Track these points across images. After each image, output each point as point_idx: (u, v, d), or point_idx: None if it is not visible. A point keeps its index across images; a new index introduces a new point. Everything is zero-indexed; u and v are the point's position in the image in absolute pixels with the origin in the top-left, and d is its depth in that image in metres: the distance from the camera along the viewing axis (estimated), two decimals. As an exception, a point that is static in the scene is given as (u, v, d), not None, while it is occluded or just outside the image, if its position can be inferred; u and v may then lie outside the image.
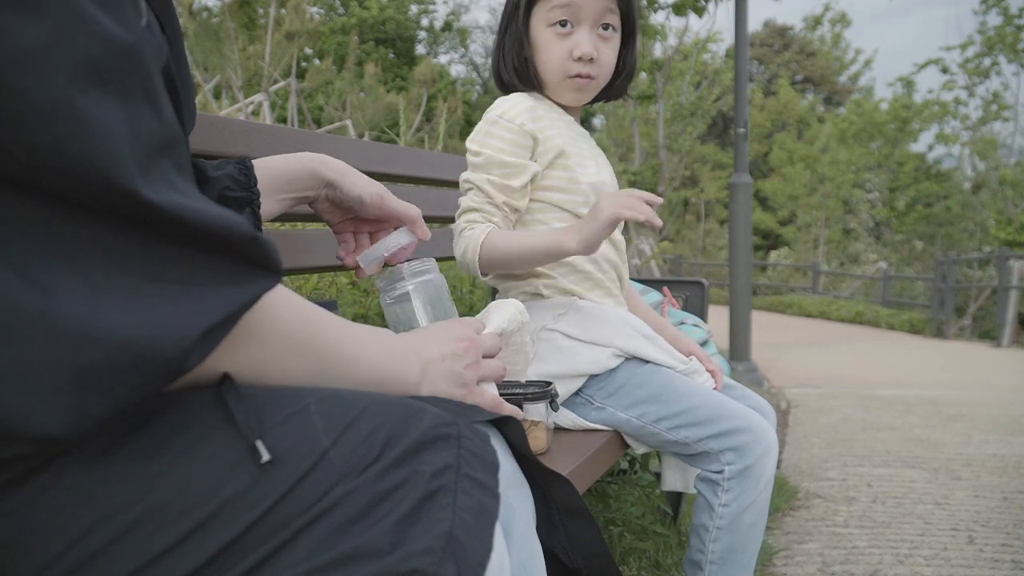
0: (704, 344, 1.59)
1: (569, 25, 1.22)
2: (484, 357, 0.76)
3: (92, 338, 0.41)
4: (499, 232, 1.19)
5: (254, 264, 0.49)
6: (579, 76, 1.24)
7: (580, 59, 1.22)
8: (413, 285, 0.90)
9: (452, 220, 1.92)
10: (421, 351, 0.70)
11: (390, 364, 0.65)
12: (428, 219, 1.74)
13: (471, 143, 1.24)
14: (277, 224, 1.97)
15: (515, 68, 1.26)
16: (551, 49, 1.23)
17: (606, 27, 1.24)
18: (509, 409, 0.78)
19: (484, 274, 1.22)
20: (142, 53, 0.45)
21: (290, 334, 0.55)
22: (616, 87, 1.34)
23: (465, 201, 1.23)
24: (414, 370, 0.67)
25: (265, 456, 0.47)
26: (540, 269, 1.26)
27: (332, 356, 0.58)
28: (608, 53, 1.26)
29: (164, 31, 0.58)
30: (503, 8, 1.29)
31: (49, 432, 0.40)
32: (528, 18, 1.24)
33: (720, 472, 1.18)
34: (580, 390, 1.22)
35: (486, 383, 0.77)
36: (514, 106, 1.23)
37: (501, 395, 1.09)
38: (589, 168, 1.29)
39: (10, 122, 0.39)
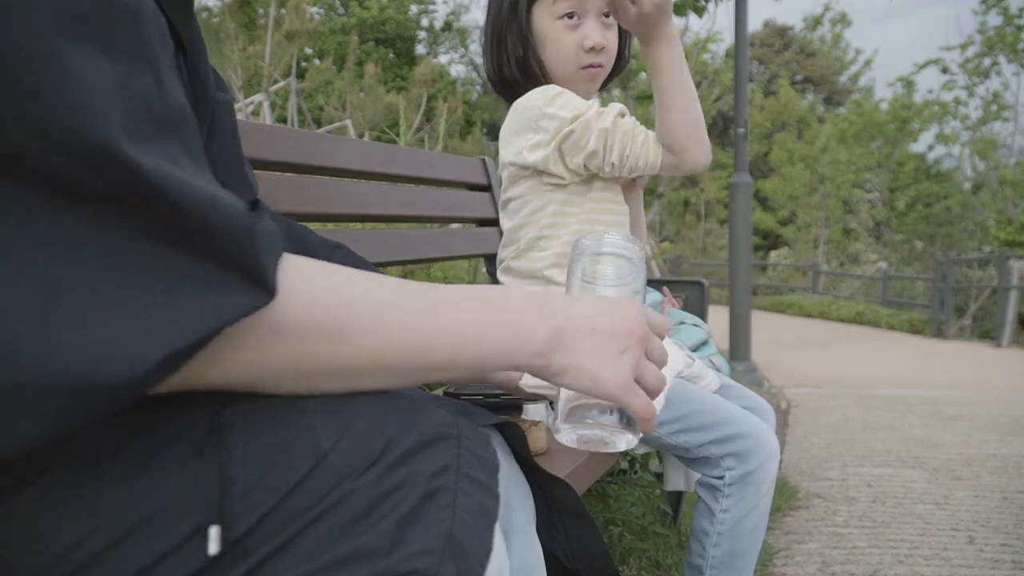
0: (704, 344, 1.59)
1: (576, 16, 1.21)
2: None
3: (25, 358, 0.37)
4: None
5: (243, 272, 0.43)
6: (591, 67, 1.23)
7: (592, 50, 1.21)
8: (619, 252, 0.69)
9: (452, 220, 1.92)
10: (564, 315, 0.57)
11: (491, 338, 0.54)
12: (428, 219, 1.75)
13: (563, 111, 1.16)
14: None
15: (518, 64, 1.24)
16: (560, 42, 1.22)
17: (607, 14, 1.23)
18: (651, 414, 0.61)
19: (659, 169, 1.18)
20: (141, 17, 0.43)
21: (319, 327, 0.48)
22: (614, 72, 1.32)
23: (594, 120, 1.16)
24: (536, 336, 0.55)
25: (213, 549, 0.43)
26: (551, 275, 1.24)
27: (388, 345, 0.50)
28: (613, 40, 1.25)
29: (178, 37, 0.56)
30: (491, 3, 1.26)
31: None
32: (529, 13, 1.23)
33: (721, 478, 1.18)
34: (580, 391, 1.21)
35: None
36: (558, 88, 1.21)
37: (502, 397, 1.09)
38: None
39: None
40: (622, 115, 1.18)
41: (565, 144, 1.17)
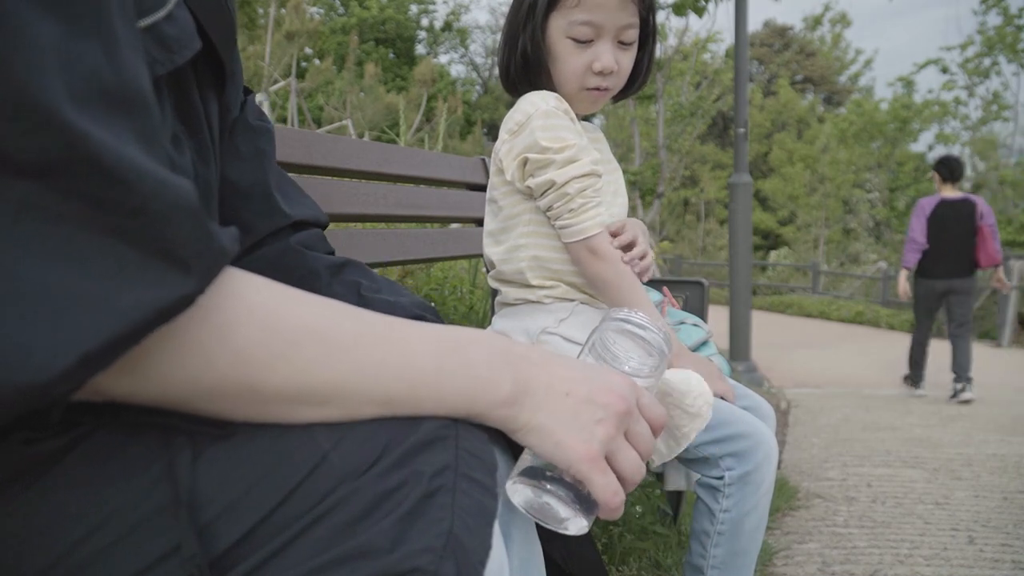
0: (704, 344, 1.59)
1: (589, 40, 1.18)
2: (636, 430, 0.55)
3: None
4: (606, 239, 1.18)
5: (178, 261, 0.39)
6: (596, 89, 1.21)
7: (600, 72, 1.19)
8: (641, 336, 0.63)
9: (452, 220, 1.92)
10: (540, 369, 0.52)
11: (450, 378, 0.50)
12: (428, 219, 1.75)
13: (544, 141, 1.15)
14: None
15: (525, 71, 1.23)
16: (569, 60, 1.19)
17: (626, 38, 1.21)
18: (616, 504, 0.53)
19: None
20: None
21: (276, 322, 0.46)
22: (628, 91, 1.30)
23: (572, 185, 1.16)
24: (502, 385, 0.51)
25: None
26: (541, 280, 1.25)
27: (352, 349, 0.47)
28: (627, 62, 1.23)
29: (205, 33, 0.56)
30: (513, 2, 1.24)
31: None
32: (545, 22, 1.20)
33: (720, 478, 1.18)
34: (579, 392, 1.22)
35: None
36: (559, 101, 1.20)
37: None
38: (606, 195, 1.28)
39: None
40: (592, 175, 1.17)
41: (527, 165, 1.18)
